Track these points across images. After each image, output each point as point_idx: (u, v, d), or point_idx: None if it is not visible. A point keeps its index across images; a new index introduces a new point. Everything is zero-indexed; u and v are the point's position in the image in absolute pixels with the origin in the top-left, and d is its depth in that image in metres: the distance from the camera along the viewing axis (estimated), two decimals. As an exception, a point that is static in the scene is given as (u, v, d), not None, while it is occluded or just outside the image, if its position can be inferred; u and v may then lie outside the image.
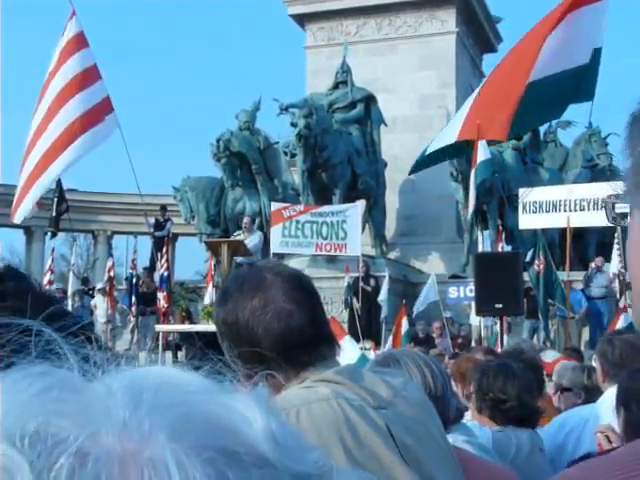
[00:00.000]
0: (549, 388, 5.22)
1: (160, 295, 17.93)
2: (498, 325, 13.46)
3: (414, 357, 2.59)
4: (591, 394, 4.47)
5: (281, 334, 1.66)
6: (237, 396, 0.53)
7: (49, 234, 20.44)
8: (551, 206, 13.16)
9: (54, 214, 17.99)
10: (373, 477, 0.66)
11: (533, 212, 13.42)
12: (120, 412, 0.48)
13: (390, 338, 14.75)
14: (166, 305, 17.81)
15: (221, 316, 1.74)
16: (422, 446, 1.65)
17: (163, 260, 18.03)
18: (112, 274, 19.29)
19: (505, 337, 12.37)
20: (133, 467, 0.46)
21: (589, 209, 12.78)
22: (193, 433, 0.48)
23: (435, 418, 1.77)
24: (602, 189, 13.04)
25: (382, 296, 17.32)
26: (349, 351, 8.71)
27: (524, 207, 13.62)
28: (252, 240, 16.18)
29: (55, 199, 17.68)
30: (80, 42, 14.09)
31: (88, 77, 14.00)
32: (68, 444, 0.46)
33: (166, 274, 18.11)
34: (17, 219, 16.03)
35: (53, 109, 13.87)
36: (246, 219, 17.24)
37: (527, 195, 13.63)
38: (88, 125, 13.87)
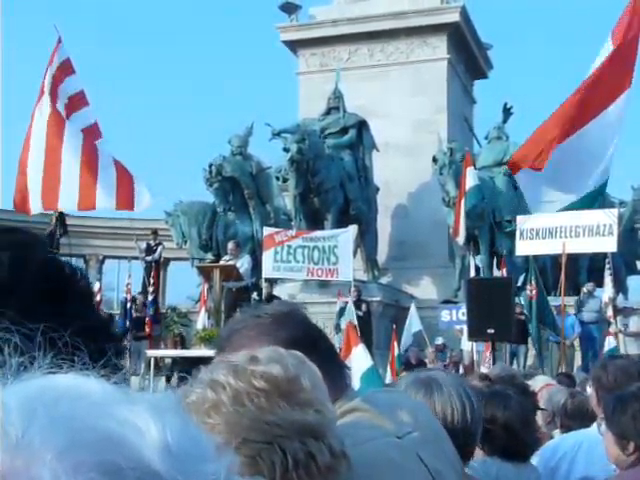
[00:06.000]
0: (538, 414, 5.21)
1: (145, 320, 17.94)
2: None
3: (458, 387, 2.44)
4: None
5: None
6: (136, 407, 0.54)
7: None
8: (547, 232, 13.19)
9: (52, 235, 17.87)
10: None
11: (530, 238, 13.46)
12: (13, 430, 0.50)
13: (388, 366, 14.69)
14: (148, 329, 17.74)
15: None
16: (447, 471, 1.64)
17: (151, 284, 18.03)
18: (99, 298, 19.23)
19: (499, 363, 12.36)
20: None
21: (584, 235, 12.81)
22: (79, 450, 0.50)
23: (449, 442, 1.75)
24: (596, 216, 13.10)
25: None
26: (361, 359, 8.81)
27: (521, 234, 13.65)
28: (242, 265, 16.12)
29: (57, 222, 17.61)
30: (67, 69, 14.04)
31: (76, 103, 13.92)
32: None
33: (151, 299, 18.05)
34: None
35: (54, 135, 13.45)
36: (230, 245, 16.79)
37: (524, 222, 13.66)
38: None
